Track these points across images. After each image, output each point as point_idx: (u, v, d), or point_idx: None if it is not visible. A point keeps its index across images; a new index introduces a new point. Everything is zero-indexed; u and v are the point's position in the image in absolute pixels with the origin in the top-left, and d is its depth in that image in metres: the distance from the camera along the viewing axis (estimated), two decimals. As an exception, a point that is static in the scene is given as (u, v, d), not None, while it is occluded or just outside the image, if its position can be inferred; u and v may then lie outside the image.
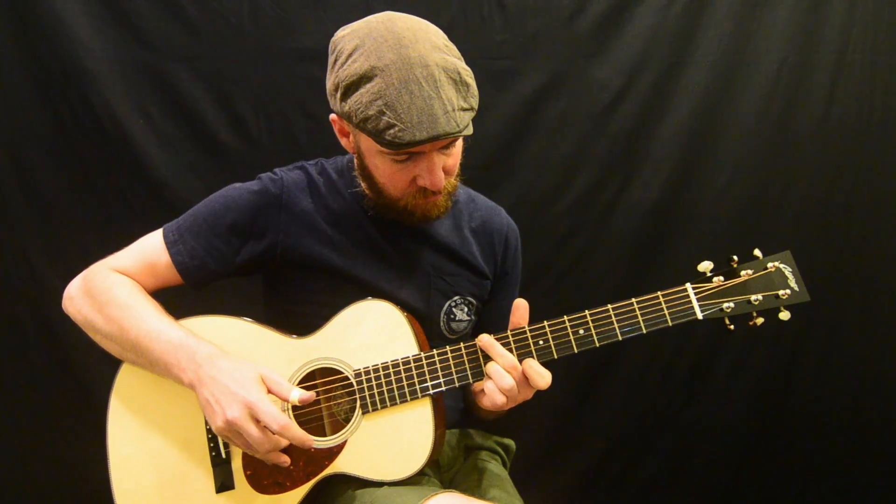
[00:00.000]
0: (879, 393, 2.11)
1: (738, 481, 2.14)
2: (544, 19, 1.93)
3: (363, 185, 1.23)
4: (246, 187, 1.25)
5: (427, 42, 1.06)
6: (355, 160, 1.23)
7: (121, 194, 1.83)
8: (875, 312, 2.09)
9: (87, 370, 1.81)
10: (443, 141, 1.07)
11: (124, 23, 1.78)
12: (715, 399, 2.10)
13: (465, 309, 1.31)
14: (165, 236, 1.23)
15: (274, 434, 1.06)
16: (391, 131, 1.03)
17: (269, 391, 1.08)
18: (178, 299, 1.24)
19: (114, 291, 1.17)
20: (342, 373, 1.16)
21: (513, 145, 1.96)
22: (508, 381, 1.07)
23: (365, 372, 1.14)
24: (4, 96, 1.77)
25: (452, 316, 1.30)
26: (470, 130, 1.08)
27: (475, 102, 1.09)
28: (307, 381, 1.17)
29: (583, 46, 1.95)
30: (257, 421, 1.05)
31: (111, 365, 1.20)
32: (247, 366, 1.09)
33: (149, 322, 1.13)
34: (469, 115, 1.08)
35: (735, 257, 1.13)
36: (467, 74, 1.09)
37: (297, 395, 1.08)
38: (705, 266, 1.12)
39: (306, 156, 1.35)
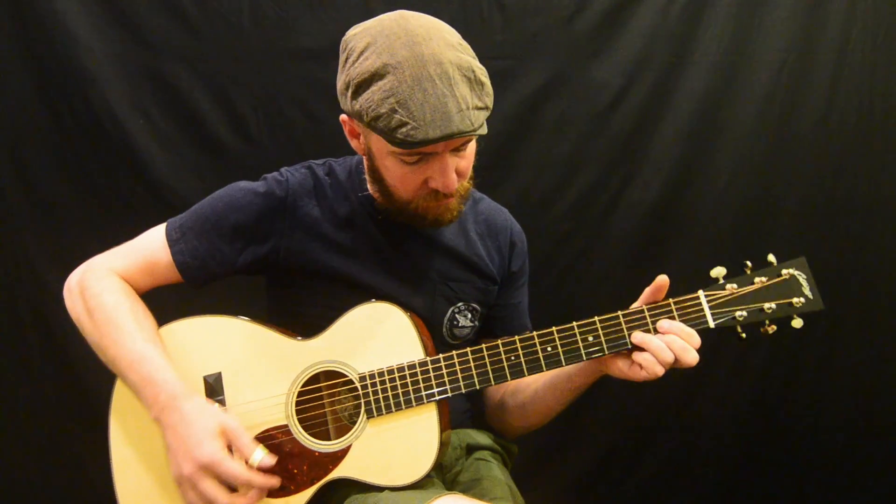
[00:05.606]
0: (880, 394, 2.10)
1: (738, 482, 2.14)
2: (544, 19, 1.92)
3: (373, 187, 1.22)
4: (251, 188, 1.24)
5: (441, 40, 1.04)
6: (365, 162, 1.21)
7: (121, 194, 1.82)
8: (875, 313, 2.09)
9: (87, 370, 1.81)
10: (456, 141, 1.06)
11: (124, 23, 1.77)
12: (715, 400, 2.10)
13: (469, 315, 1.30)
14: (168, 234, 1.22)
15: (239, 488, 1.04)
16: (403, 129, 1.01)
17: (229, 444, 1.06)
18: (180, 296, 1.24)
19: (102, 297, 1.16)
20: (346, 376, 1.15)
21: (513, 145, 1.95)
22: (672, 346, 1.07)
23: (370, 376, 1.13)
24: (4, 96, 1.76)
25: (455, 322, 1.29)
26: (484, 130, 1.06)
27: (490, 101, 1.07)
28: (311, 383, 1.16)
29: (583, 46, 1.95)
30: (217, 477, 1.03)
31: (111, 365, 1.20)
32: (209, 416, 1.06)
33: (126, 344, 1.12)
34: (484, 114, 1.06)
35: (748, 263, 1.10)
36: (482, 73, 1.07)
37: (260, 457, 1.05)
38: (718, 272, 1.10)
39: (306, 156, 1.34)
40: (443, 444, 1.13)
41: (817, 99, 2.01)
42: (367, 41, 1.05)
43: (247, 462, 1.06)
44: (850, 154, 2.04)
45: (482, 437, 1.38)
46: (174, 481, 1.07)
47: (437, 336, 1.27)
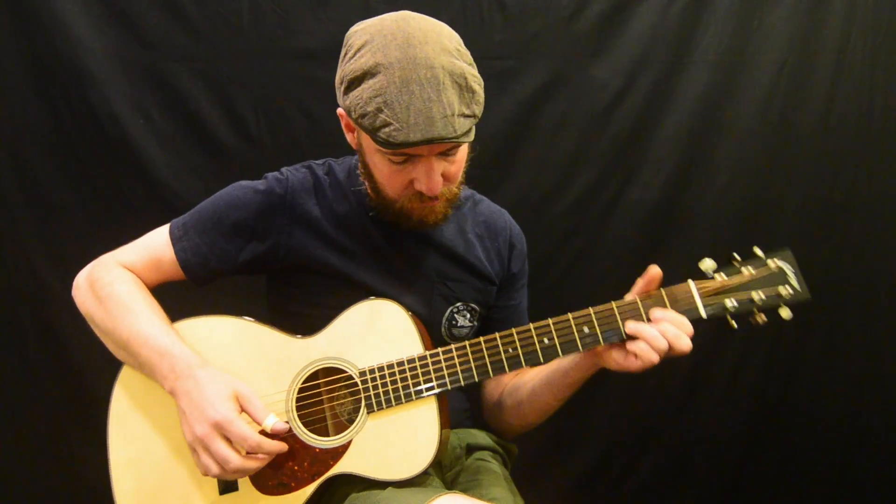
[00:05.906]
0: (879, 394, 2.10)
1: (738, 483, 2.14)
2: (544, 19, 1.92)
3: (366, 183, 1.23)
4: (252, 186, 1.25)
5: (437, 44, 1.05)
6: (359, 156, 1.23)
7: (121, 194, 1.82)
8: (875, 312, 2.09)
9: (87, 370, 1.81)
10: (440, 146, 1.07)
11: (124, 23, 1.78)
12: (715, 400, 2.10)
13: (468, 315, 1.31)
14: (171, 232, 1.24)
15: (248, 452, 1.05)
16: (386, 130, 1.02)
17: (243, 410, 1.07)
18: (182, 296, 1.25)
19: (114, 287, 1.18)
20: (346, 372, 1.16)
21: (513, 145, 1.96)
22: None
23: (370, 371, 1.14)
24: (4, 96, 1.76)
25: (454, 322, 1.30)
26: (470, 137, 1.07)
27: (479, 110, 1.08)
28: (311, 380, 1.17)
29: (583, 46, 1.95)
30: (227, 439, 1.04)
31: (111, 365, 1.20)
32: (222, 381, 1.08)
33: (140, 324, 1.13)
34: (470, 122, 1.07)
35: (737, 255, 1.13)
36: (475, 81, 1.07)
37: (273, 422, 1.07)
38: (707, 265, 1.12)
39: (306, 156, 1.35)
40: (442, 440, 1.13)
41: (817, 99, 2.01)
42: (365, 39, 1.07)
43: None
44: (849, 154, 2.04)
45: (482, 437, 1.38)
46: (189, 445, 1.07)
47: (435, 336, 1.27)
